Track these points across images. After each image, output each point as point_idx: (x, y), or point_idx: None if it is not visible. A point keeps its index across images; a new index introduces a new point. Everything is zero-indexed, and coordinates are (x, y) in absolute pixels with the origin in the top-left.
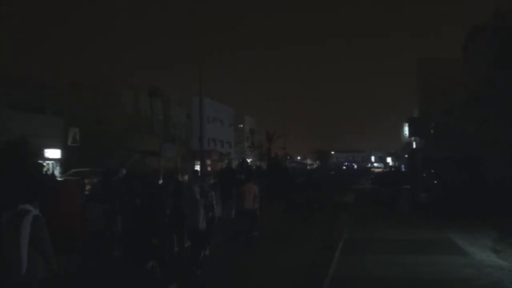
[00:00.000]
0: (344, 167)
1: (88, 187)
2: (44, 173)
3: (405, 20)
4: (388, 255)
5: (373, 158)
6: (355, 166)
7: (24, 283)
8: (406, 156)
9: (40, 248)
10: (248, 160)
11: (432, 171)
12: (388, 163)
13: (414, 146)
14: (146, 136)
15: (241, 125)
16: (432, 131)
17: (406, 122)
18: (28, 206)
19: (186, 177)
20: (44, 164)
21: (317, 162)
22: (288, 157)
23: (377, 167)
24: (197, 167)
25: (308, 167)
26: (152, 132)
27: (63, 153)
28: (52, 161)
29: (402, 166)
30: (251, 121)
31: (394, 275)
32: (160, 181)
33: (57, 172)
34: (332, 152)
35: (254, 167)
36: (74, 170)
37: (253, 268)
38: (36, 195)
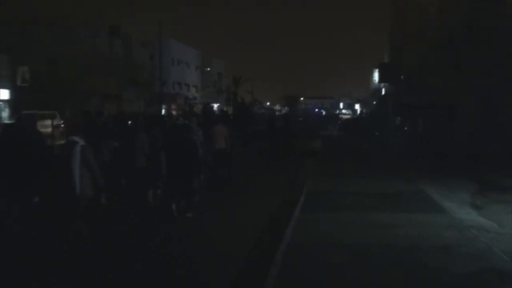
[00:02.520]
0: (313, 114)
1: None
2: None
3: None
4: (354, 213)
5: (341, 105)
6: (324, 113)
7: (78, 200)
8: (375, 102)
9: (90, 171)
10: (215, 105)
11: (403, 118)
12: (356, 110)
13: (383, 92)
14: (106, 77)
15: (208, 69)
16: (402, 77)
17: (376, 68)
18: (76, 138)
19: None
20: None
21: (286, 108)
22: (257, 103)
23: (345, 114)
24: (162, 111)
25: (277, 113)
26: (112, 73)
27: (11, 94)
28: (0, 102)
29: (367, 112)
30: (219, 64)
31: (361, 240)
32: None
33: (5, 114)
34: (301, 98)
35: (218, 112)
36: (24, 112)
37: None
38: (81, 128)
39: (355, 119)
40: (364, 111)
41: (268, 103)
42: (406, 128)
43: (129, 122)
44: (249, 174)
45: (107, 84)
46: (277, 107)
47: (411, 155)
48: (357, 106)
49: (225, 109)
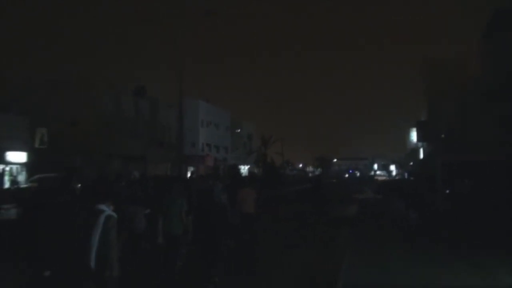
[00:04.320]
0: (346, 175)
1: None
2: None
3: (403, 23)
4: None
5: (376, 166)
6: (358, 174)
7: (91, 278)
8: (411, 163)
9: (105, 249)
10: (245, 167)
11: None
12: (391, 171)
13: (422, 152)
14: (130, 139)
15: (239, 130)
16: (443, 135)
17: (413, 127)
18: (103, 206)
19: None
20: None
21: (319, 169)
22: (289, 165)
23: (381, 175)
24: (189, 174)
25: (310, 174)
26: (136, 135)
27: (29, 156)
28: (17, 165)
29: (406, 174)
30: (250, 126)
31: None
32: None
33: (22, 177)
34: (335, 160)
35: (244, 174)
36: (38, 175)
37: None
38: (110, 195)
39: (397, 181)
40: (407, 172)
41: (300, 165)
42: (448, 191)
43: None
44: (273, 247)
45: (130, 146)
46: (310, 168)
47: (466, 222)
48: (392, 167)
49: (255, 170)
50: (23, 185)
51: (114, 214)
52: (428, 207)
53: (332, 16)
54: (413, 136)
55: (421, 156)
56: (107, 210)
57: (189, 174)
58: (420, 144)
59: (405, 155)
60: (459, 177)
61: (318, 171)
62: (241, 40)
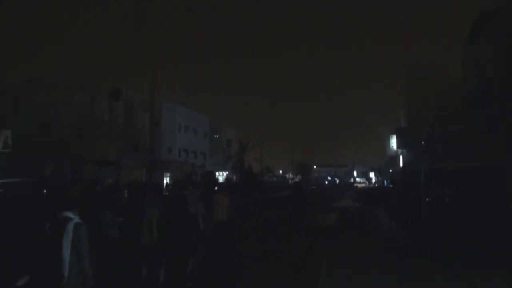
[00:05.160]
0: (326, 182)
1: None
2: None
3: (383, 30)
4: None
5: (355, 173)
6: (338, 181)
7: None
8: (391, 171)
9: (77, 254)
10: (224, 173)
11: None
12: (371, 178)
13: (401, 159)
14: (103, 143)
15: (217, 135)
16: (423, 142)
17: (393, 134)
18: (69, 213)
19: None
20: None
21: (298, 176)
22: (270, 172)
23: (360, 183)
24: (166, 180)
25: (290, 181)
26: (110, 139)
27: None
28: None
29: (385, 182)
30: (230, 131)
31: None
32: None
33: None
34: (314, 167)
35: (219, 180)
36: (1, 180)
37: None
38: (76, 203)
39: (377, 189)
40: (387, 180)
41: (280, 171)
42: (429, 199)
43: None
44: (250, 257)
45: (104, 150)
46: (290, 175)
47: (449, 231)
48: (371, 174)
49: (232, 177)
50: None
51: (82, 222)
52: (411, 216)
53: (312, 21)
54: (393, 143)
55: (401, 163)
56: (75, 218)
57: (166, 181)
58: (399, 151)
59: (385, 162)
60: (440, 184)
61: (297, 178)
62: (225, 44)
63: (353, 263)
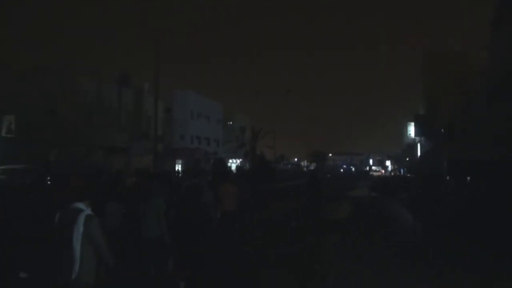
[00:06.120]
0: (341, 170)
1: None
2: None
3: (404, 16)
4: None
5: (371, 162)
6: (353, 169)
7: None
8: (407, 159)
9: (95, 248)
10: (237, 161)
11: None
12: (387, 166)
13: (419, 148)
14: (112, 130)
15: (231, 122)
16: (442, 130)
17: (411, 122)
18: (81, 204)
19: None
20: None
21: (313, 164)
22: (285, 160)
23: (376, 171)
24: (178, 167)
25: (305, 169)
26: (119, 126)
27: None
28: None
29: (401, 170)
30: (243, 119)
31: None
32: None
33: None
34: (330, 155)
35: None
36: (2, 167)
37: None
38: (88, 193)
39: (395, 179)
40: (403, 169)
41: (295, 159)
42: (455, 197)
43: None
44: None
45: (112, 137)
46: (305, 163)
47: (475, 229)
48: (387, 163)
49: (244, 165)
50: None
51: (93, 214)
52: (435, 214)
53: (331, 13)
54: (411, 131)
55: (419, 151)
56: (86, 209)
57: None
58: (417, 139)
59: (402, 151)
60: (466, 177)
61: (312, 166)
62: (241, 37)
63: (368, 260)
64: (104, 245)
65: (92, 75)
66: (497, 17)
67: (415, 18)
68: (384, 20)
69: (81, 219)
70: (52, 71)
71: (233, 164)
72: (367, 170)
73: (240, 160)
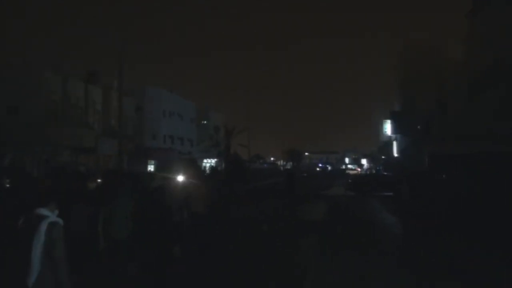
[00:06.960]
0: (318, 169)
1: None
2: None
3: (377, 10)
4: None
5: (347, 160)
6: (329, 168)
7: None
8: (383, 157)
9: (52, 263)
10: (212, 161)
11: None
12: (363, 165)
13: (395, 146)
14: (79, 129)
15: (205, 122)
16: (418, 126)
17: (387, 119)
18: (44, 210)
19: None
20: None
21: (289, 163)
22: (261, 160)
23: (351, 169)
24: (150, 167)
25: (282, 168)
26: (87, 125)
27: None
28: None
29: (378, 168)
30: (218, 117)
31: None
32: None
33: None
34: (306, 153)
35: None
36: None
37: None
38: (54, 197)
39: (372, 176)
40: (379, 167)
41: (272, 158)
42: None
43: None
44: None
45: (80, 136)
46: (281, 162)
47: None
48: (363, 161)
49: (219, 164)
50: None
51: (59, 220)
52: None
53: (308, 6)
54: (387, 128)
55: (395, 149)
56: (51, 215)
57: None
58: (393, 137)
59: (378, 149)
60: (449, 171)
61: (289, 165)
62: (220, 34)
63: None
64: (62, 260)
65: (57, 71)
66: (473, 9)
67: (389, 12)
68: (358, 15)
69: (43, 226)
70: (12, 66)
71: (207, 164)
72: (343, 169)
73: (216, 160)
